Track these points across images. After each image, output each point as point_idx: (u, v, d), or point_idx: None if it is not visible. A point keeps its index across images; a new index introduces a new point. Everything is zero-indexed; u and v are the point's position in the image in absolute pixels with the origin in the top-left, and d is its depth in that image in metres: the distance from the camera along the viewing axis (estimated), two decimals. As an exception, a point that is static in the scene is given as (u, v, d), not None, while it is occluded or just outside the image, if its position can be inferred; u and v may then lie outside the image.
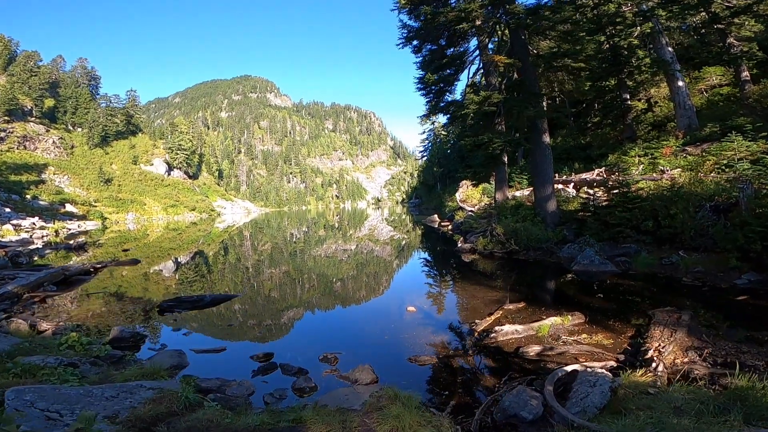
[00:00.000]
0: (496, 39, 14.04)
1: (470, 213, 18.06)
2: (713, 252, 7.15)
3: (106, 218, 50.91)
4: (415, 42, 13.17)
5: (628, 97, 19.51)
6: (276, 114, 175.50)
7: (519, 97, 10.43)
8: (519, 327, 4.83)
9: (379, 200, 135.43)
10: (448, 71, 12.52)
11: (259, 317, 6.71)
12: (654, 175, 11.69)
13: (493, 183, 24.01)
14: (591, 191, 13.92)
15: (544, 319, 5.13)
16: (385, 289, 8.39)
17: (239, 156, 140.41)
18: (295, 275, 10.80)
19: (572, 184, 15.02)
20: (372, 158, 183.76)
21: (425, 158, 67.71)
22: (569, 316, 5.16)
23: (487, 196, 21.47)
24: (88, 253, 15.51)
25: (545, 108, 10.40)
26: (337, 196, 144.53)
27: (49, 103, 70.83)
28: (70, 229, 33.71)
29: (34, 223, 30.97)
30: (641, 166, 12.98)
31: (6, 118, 57.66)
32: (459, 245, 12.49)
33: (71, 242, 18.88)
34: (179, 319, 6.34)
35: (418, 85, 12.97)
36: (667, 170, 12.08)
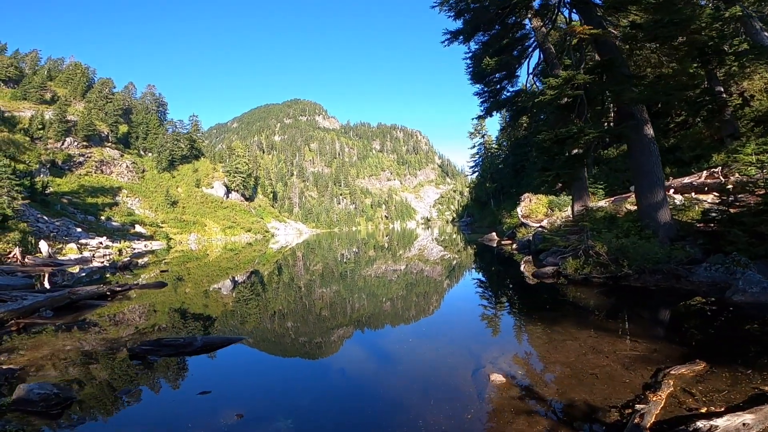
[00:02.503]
0: (562, 25, 12.18)
1: (540, 229, 15.73)
2: None
3: (171, 238, 53.58)
4: (462, 35, 11.65)
5: (722, 89, 16.57)
6: (325, 136, 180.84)
7: (609, 80, 8.35)
8: (748, 417, 2.47)
9: (429, 220, 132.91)
10: (513, 54, 10.70)
11: (259, 378, 4.70)
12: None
13: (556, 193, 21.62)
14: (702, 197, 11.34)
15: (766, 392, 3.02)
16: (449, 339, 5.59)
17: (292, 178, 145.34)
18: (328, 314, 8.48)
19: (672, 189, 12.39)
20: (420, 177, 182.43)
21: (476, 174, 65.04)
22: None
23: (555, 209, 19.00)
24: (131, 273, 15.21)
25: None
26: (387, 217, 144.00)
27: (123, 128, 77.44)
28: (135, 249, 35.30)
29: (101, 243, 32.58)
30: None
31: (85, 143, 63.42)
32: (537, 269, 10.01)
33: (119, 262, 19.02)
34: (143, 373, 4.68)
35: (472, 78, 11.32)
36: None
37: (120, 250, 31.00)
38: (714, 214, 8.67)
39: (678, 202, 10.97)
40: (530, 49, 11.90)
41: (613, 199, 15.15)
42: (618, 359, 4.15)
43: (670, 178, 13.71)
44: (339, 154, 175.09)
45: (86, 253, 24.95)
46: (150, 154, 78.47)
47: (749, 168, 11.04)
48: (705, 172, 12.76)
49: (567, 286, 8.36)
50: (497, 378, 3.86)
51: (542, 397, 3.48)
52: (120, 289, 10.04)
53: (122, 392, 4.14)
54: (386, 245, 33.11)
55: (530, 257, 13.67)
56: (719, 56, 8.84)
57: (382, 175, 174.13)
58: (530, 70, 12.99)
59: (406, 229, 79.11)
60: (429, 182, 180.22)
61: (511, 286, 10.03)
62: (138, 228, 51.87)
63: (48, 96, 71.01)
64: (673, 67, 9.41)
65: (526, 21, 11.86)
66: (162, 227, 57.41)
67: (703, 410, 2.86)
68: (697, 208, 10.41)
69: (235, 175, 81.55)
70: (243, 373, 4.85)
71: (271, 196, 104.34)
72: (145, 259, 24.55)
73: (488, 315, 7.07)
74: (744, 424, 2.40)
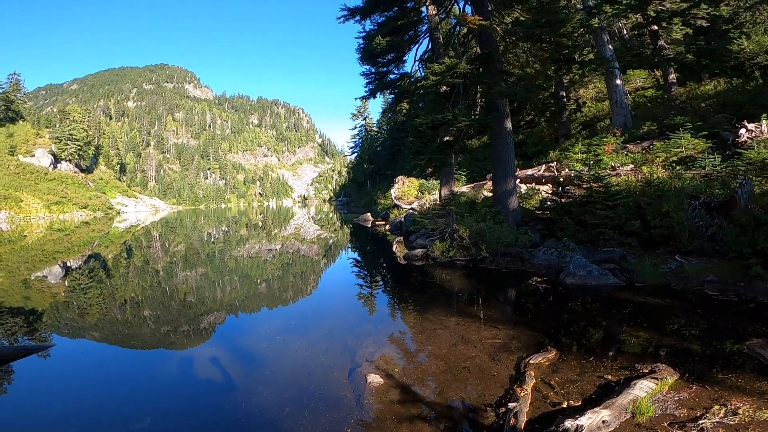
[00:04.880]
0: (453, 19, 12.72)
1: (411, 211, 16.48)
2: (715, 257, 6.20)
3: (-37, 217, 41.28)
4: (360, 13, 11.26)
5: (564, 94, 19.67)
6: (194, 106, 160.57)
7: (485, 73, 8.89)
8: (605, 413, 2.62)
9: (306, 198, 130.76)
10: (404, 38, 10.68)
11: (70, 400, 3.61)
12: (608, 171, 11.04)
13: (426, 177, 23.10)
14: (540, 187, 13.15)
15: (612, 383, 3.25)
16: (324, 332, 5.10)
17: (148, 149, 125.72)
18: (184, 305, 7.34)
19: (518, 180, 14.17)
20: (299, 155, 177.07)
21: (355, 155, 66.00)
22: (657, 374, 3.25)
23: (425, 193, 20.20)
24: None
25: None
26: (261, 194, 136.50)
27: None
28: None
29: None
30: (589, 162, 12.41)
31: None
32: (408, 251, 10.32)
33: None
34: None
35: (362, 57, 11.02)
36: (618, 166, 11.57)
37: None
38: (549, 203, 10.09)
39: (524, 191, 12.55)
40: (422, 36, 12.08)
41: (473, 185, 16.73)
42: (485, 349, 4.30)
43: (517, 169, 15.69)
44: (210, 126, 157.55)
45: None
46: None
47: (576, 164, 13.25)
48: (543, 165, 14.90)
49: (435, 268, 8.80)
50: (375, 379, 3.63)
51: (422, 399, 3.35)
52: None
53: None
54: (260, 224, 31.19)
55: (401, 238, 14.23)
56: (569, 63, 10.24)
57: (258, 151, 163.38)
58: (417, 57, 13.31)
59: (281, 207, 76.19)
60: (308, 160, 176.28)
61: (384, 268, 10.19)
62: None
63: None
64: (536, 68, 10.56)
65: (424, 8, 11.99)
66: (-47, 202, 43.77)
67: (564, 405, 3.05)
68: (537, 197, 12.05)
69: (68, 142, 66.55)
70: (42, 392, 3.77)
71: (117, 168, 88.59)
72: None
73: (363, 301, 6.95)
74: (603, 422, 2.58)
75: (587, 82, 20.82)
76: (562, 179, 12.16)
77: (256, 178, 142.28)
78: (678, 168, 9.54)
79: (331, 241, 17.96)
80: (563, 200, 9.18)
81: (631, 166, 11.32)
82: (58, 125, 68.95)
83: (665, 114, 14.17)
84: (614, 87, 15.45)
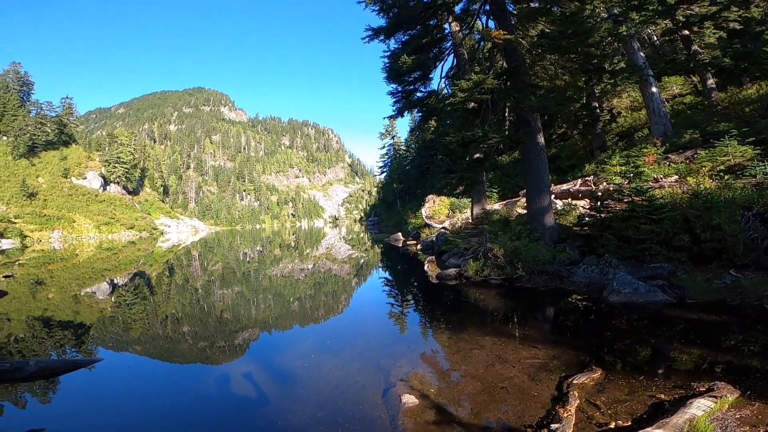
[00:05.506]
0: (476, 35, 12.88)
1: (442, 230, 16.32)
2: (775, 271, 5.74)
3: (26, 236, 44.67)
4: (384, 32, 11.61)
5: (597, 105, 19.17)
6: (230, 128, 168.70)
7: (513, 87, 8.84)
8: None
9: (337, 218, 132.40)
10: (429, 55, 10.87)
11: (116, 411, 3.70)
12: (650, 183, 10.56)
13: (457, 195, 22.90)
14: (576, 202, 12.72)
15: (665, 402, 3.03)
16: (357, 352, 5.09)
17: (188, 171, 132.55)
18: (223, 322, 7.52)
19: (553, 195, 13.79)
20: (329, 176, 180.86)
21: (385, 174, 66.60)
22: (715, 393, 3.02)
23: (457, 211, 20.01)
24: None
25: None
26: (293, 215, 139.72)
27: (-29, 108, 62.63)
28: (-25, 249, 28.58)
29: None
30: (629, 175, 11.93)
31: None
32: (441, 271, 10.15)
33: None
34: None
35: (388, 76, 11.28)
36: (661, 178, 11.05)
37: (-51, 252, 24.71)
38: (587, 219, 9.72)
39: (560, 207, 12.17)
40: (446, 53, 12.28)
41: (505, 202, 16.42)
42: (524, 369, 4.13)
43: (552, 185, 15.30)
44: (245, 148, 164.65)
45: None
46: (5, 138, 64.54)
47: (615, 177, 12.78)
48: (579, 180, 14.44)
49: (468, 287, 8.59)
50: (409, 399, 3.54)
51: (458, 420, 3.23)
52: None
53: None
54: (293, 244, 31.80)
55: (434, 257, 14.07)
56: (599, 73, 10.03)
57: (291, 172, 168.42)
58: (443, 74, 13.47)
59: (313, 228, 77.52)
60: (338, 181, 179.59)
61: (416, 287, 10.06)
62: (-20, 224, 42.17)
63: None
64: (566, 80, 10.40)
65: (446, 25, 12.23)
66: (15, 223, 47.58)
67: (612, 425, 2.88)
68: (574, 213, 11.65)
69: (117, 165, 71.30)
70: (92, 405, 3.86)
71: (161, 189, 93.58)
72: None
73: (395, 321, 6.85)
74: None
75: (620, 91, 20.25)
76: (600, 193, 11.75)
77: (289, 199, 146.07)
78: (726, 177, 9.00)
79: (363, 260, 18.02)
80: (603, 215, 8.83)
81: (676, 177, 10.79)
82: (107, 148, 74.00)
83: (707, 121, 13.50)
84: (650, 95, 14.92)
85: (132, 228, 60.00)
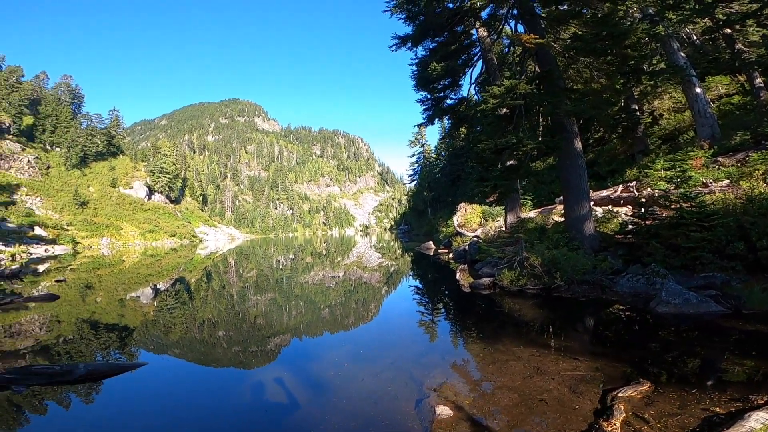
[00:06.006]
0: (505, 39, 12.71)
1: (475, 239, 16.05)
2: None
3: (78, 243, 47.65)
4: (411, 40, 11.67)
5: (637, 107, 18.37)
6: (263, 138, 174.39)
7: (546, 92, 8.62)
8: None
9: (367, 227, 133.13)
10: (458, 62, 10.80)
11: (157, 415, 3.81)
12: (698, 188, 9.96)
13: (489, 203, 22.48)
14: (618, 209, 12.18)
15: (720, 416, 2.86)
16: (389, 361, 4.99)
17: (225, 181, 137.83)
18: (258, 329, 7.63)
19: (592, 202, 13.28)
20: (360, 184, 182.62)
21: (415, 183, 66.45)
22: None
23: (490, 219, 19.63)
24: (21, 282, 12.92)
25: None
26: (325, 223, 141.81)
27: (28, 120, 68.08)
28: (33, 254, 30.88)
29: (-13, 248, 27.85)
30: (676, 180, 11.30)
31: (-21, 135, 54.58)
32: (474, 280, 9.94)
33: (7, 268, 16.16)
34: (2, 407, 3.81)
35: (417, 84, 11.28)
36: (711, 182, 10.40)
37: (13, 256, 26.82)
38: (631, 227, 9.27)
39: (599, 215, 11.68)
40: (475, 58, 12.18)
41: (541, 210, 15.94)
42: (564, 381, 3.95)
43: (590, 191, 14.75)
44: (278, 158, 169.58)
45: (-35, 261, 21.03)
46: (58, 150, 69.63)
47: (659, 182, 12.15)
48: (620, 186, 13.82)
49: (503, 297, 8.35)
50: (443, 411, 3.44)
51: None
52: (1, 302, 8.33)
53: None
54: (324, 252, 32.23)
55: (466, 266, 13.84)
56: (637, 75, 9.62)
57: (322, 181, 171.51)
58: (472, 80, 13.34)
59: (344, 236, 78.29)
60: (368, 189, 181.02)
61: (449, 297, 9.90)
62: (38, 230, 45.42)
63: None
64: (602, 83, 10.03)
65: (474, 31, 12.15)
66: (68, 230, 50.90)
67: None
68: (615, 221, 11.15)
69: (160, 175, 75.14)
70: (138, 406, 4.01)
71: (200, 199, 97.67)
72: (46, 265, 21.44)
73: (428, 331, 6.75)
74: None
75: (661, 92, 19.29)
76: (644, 200, 11.21)
77: (320, 207, 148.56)
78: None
79: (393, 269, 17.99)
80: (648, 222, 8.41)
81: (727, 181, 10.13)
82: (151, 159, 78.10)
83: (758, 121, 12.64)
84: (694, 96, 14.16)
85: (174, 235, 62.82)
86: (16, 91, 66.95)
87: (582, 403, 3.45)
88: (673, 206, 7.80)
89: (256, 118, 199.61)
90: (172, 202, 78.71)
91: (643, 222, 8.62)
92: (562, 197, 10.46)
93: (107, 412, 3.91)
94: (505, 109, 9.61)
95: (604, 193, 13.56)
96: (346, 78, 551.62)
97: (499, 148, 8.39)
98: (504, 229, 14.49)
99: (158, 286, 13.71)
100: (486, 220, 19.83)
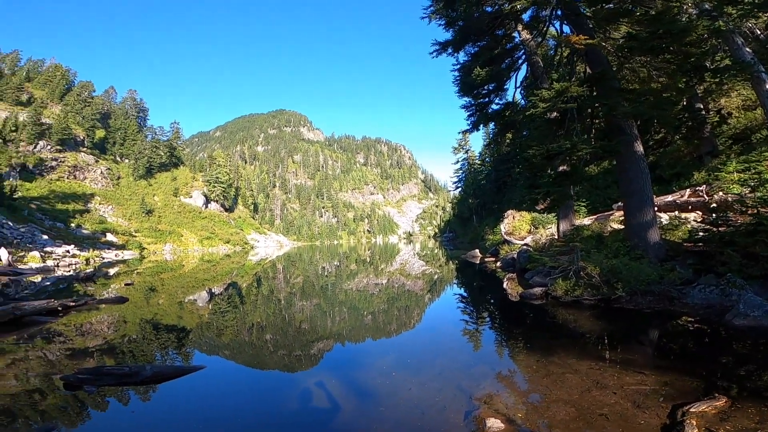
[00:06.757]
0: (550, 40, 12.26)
1: (524, 247, 15.47)
2: None
3: (144, 248, 51.60)
4: (451, 45, 11.56)
5: (701, 106, 16.97)
6: (309, 148, 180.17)
7: (600, 94, 8.16)
8: None
9: (411, 235, 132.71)
10: (502, 66, 10.53)
11: (214, 416, 3.91)
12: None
13: (538, 210, 21.58)
14: (686, 215, 11.24)
15: None
16: (436, 371, 4.87)
17: (274, 190, 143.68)
18: (307, 336, 7.61)
19: (656, 208, 12.36)
20: (403, 192, 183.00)
21: (459, 190, 65.49)
22: None
23: (540, 227, 18.86)
24: (94, 284, 14.15)
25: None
26: (369, 231, 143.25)
27: (100, 133, 75.13)
28: (105, 258, 33.73)
29: (67, 251, 30.83)
30: (752, 183, 10.25)
31: (59, 147, 61.09)
32: (524, 290, 9.56)
33: (83, 272, 17.79)
34: (75, 406, 4.01)
35: (461, 90, 11.11)
36: (795, 187, 9.31)
37: (87, 260, 29.45)
38: (701, 234, 8.49)
39: (665, 221, 10.84)
40: (519, 62, 11.84)
41: (596, 216, 15.06)
42: (627, 396, 3.66)
43: (654, 196, 13.75)
44: (322, 167, 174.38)
45: (50, 262, 23.45)
46: (127, 161, 76.24)
47: (733, 186, 11.08)
48: (688, 190, 12.76)
49: (557, 307, 7.93)
50: (494, 424, 3.28)
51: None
52: (74, 304, 9.13)
53: (42, 430, 3.51)
54: (368, 259, 32.51)
55: (514, 275, 13.38)
56: (700, 72, 8.89)
57: (365, 189, 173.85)
58: (517, 84, 12.93)
59: (388, 244, 78.61)
60: (412, 197, 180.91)
61: (497, 306, 9.57)
62: (109, 236, 49.84)
63: (24, 98, 68.45)
64: (662, 82, 9.35)
65: (515, 33, 11.84)
66: (135, 236, 55.35)
67: None
68: (683, 228, 10.28)
69: (215, 185, 79.87)
70: (196, 408, 4.17)
71: (251, 207, 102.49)
72: (116, 269, 23.37)
73: (475, 340, 6.55)
74: None
75: (728, 90, 17.68)
76: (715, 205, 10.29)
77: (364, 215, 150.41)
78: None
79: (438, 276, 17.76)
80: (721, 229, 7.67)
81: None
82: (207, 169, 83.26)
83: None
84: (765, 93, 12.87)
85: (228, 242, 66.32)
86: (89, 106, 74.23)
87: (648, 419, 3.19)
88: (749, 211, 7.07)
89: (302, 128, 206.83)
90: (226, 210, 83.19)
91: (715, 229, 7.87)
92: (620, 203, 9.82)
93: (170, 415, 4.04)
94: (555, 113, 9.22)
95: (669, 198, 12.58)
96: (388, 86, 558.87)
97: (552, 153, 7.99)
98: (556, 237, 13.85)
99: (213, 291, 14.46)
100: (536, 228, 19.07)
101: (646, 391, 3.72)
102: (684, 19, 8.34)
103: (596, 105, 8.19)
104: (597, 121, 10.11)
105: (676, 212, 11.58)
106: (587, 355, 4.98)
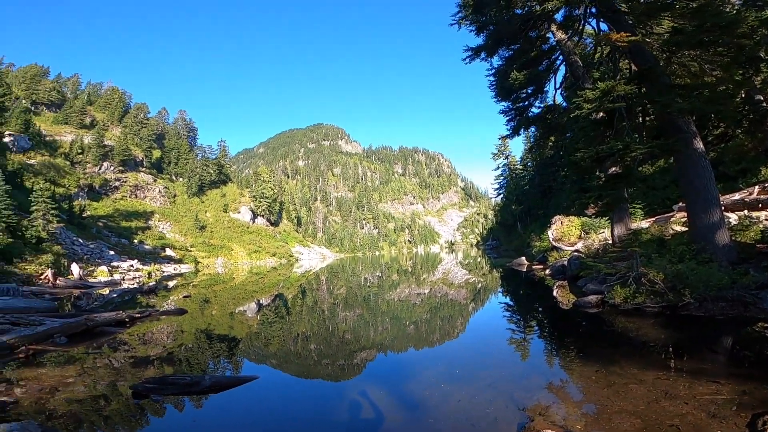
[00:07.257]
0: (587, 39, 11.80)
1: (575, 253, 14.78)
2: None
3: (199, 262, 54.54)
4: (484, 50, 11.40)
5: (762, 98, 15.57)
6: (347, 160, 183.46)
7: (651, 91, 7.70)
8: None
9: (453, 243, 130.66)
10: (539, 68, 10.25)
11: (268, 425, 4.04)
12: None
13: (593, 214, 20.51)
14: (757, 214, 10.29)
15: None
16: (486, 383, 4.68)
17: (315, 203, 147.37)
18: (352, 347, 7.59)
19: (722, 207, 11.41)
20: (443, 201, 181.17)
21: (501, 196, 63.81)
22: None
23: (591, 232, 17.95)
24: (156, 296, 15.16)
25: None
26: (410, 241, 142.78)
27: (156, 153, 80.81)
28: (164, 272, 36.09)
29: (131, 265, 33.31)
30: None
31: (120, 168, 66.40)
32: (578, 298, 9.09)
33: (146, 285, 19.12)
34: (142, 414, 4.24)
35: (498, 94, 10.90)
36: None
37: (149, 273, 31.63)
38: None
39: (733, 221, 9.97)
40: (558, 63, 11.48)
41: (654, 219, 14.12)
42: (700, 405, 3.40)
43: (719, 195, 12.71)
44: (362, 179, 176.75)
45: (116, 276, 25.43)
46: (181, 179, 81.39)
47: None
48: (757, 186, 11.69)
49: (615, 316, 7.48)
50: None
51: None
52: (139, 315, 9.83)
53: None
54: (410, 269, 32.36)
55: (565, 283, 12.79)
56: (755, 63, 8.20)
57: (405, 199, 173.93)
58: (556, 86, 12.49)
59: (429, 253, 77.86)
60: (452, 205, 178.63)
61: (548, 315, 9.17)
62: (168, 251, 53.19)
63: (87, 120, 74.75)
64: (716, 75, 8.68)
65: (549, 34, 11.52)
66: (191, 251, 58.69)
67: None
68: (755, 228, 9.40)
69: (261, 200, 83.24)
70: (252, 417, 4.31)
71: (295, 221, 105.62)
72: (174, 281, 24.91)
73: (527, 350, 6.29)
74: None
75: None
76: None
77: (405, 225, 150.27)
78: None
79: (483, 285, 17.34)
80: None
81: None
82: (253, 185, 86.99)
83: None
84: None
85: (274, 255, 68.69)
86: (145, 127, 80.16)
87: (725, 428, 2.97)
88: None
89: (340, 140, 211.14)
90: (271, 224, 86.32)
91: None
92: (681, 203, 9.15)
93: (227, 422, 4.14)
94: (601, 113, 8.81)
95: (737, 196, 11.58)
96: (422, 95, 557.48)
97: (602, 155, 7.59)
98: (611, 242, 13.11)
99: (261, 302, 15.00)
100: (587, 233, 18.17)
101: (722, 400, 3.43)
102: (728, 10, 7.70)
103: (646, 103, 7.73)
104: (648, 119, 9.55)
105: (746, 211, 10.63)
106: (653, 365, 4.64)
